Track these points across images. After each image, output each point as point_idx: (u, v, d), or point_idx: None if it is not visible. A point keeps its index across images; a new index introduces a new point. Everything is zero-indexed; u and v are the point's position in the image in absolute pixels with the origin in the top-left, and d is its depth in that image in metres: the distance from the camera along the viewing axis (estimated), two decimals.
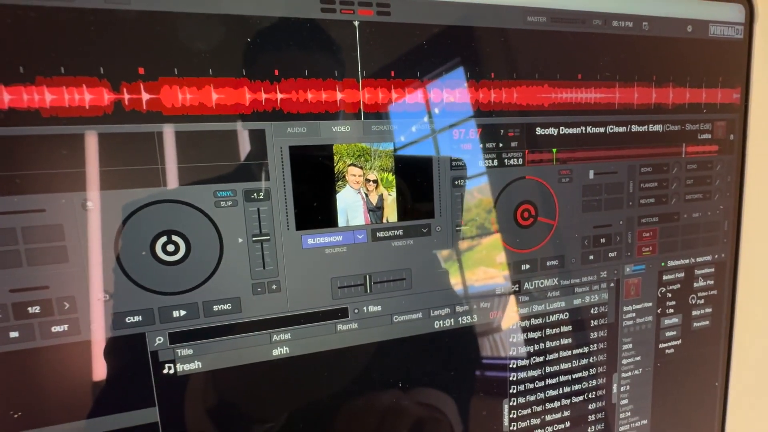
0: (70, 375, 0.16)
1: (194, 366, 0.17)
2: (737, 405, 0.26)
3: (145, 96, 0.15)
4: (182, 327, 0.17)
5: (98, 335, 0.16)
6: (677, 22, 0.22)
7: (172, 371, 0.17)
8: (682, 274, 0.24)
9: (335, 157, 0.18)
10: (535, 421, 0.22)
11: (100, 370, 0.16)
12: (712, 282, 0.25)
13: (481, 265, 0.20)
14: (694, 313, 0.25)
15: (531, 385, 0.22)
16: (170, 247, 0.16)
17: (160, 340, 0.17)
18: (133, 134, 0.15)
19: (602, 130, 0.21)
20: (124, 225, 0.16)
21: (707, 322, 0.25)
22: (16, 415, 0.15)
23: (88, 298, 0.16)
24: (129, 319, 0.16)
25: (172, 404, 0.17)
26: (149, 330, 0.16)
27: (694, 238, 0.24)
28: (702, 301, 0.25)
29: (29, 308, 0.15)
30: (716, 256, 0.25)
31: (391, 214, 0.19)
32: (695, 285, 0.24)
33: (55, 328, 0.16)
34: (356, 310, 0.19)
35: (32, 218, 0.15)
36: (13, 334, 0.15)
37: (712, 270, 0.25)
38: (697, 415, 0.26)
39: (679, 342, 0.25)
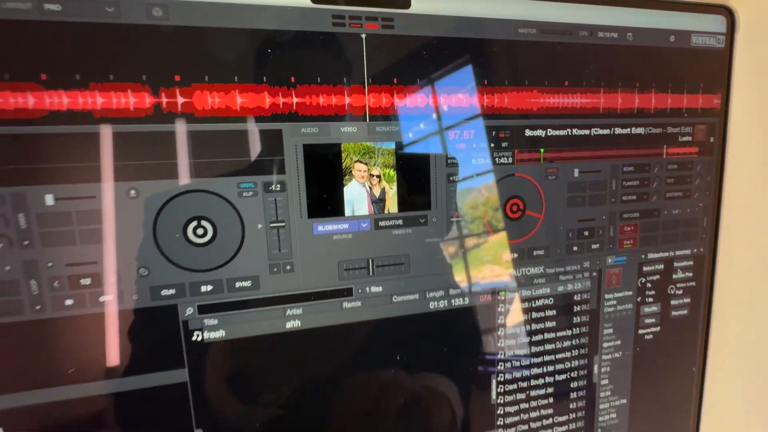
0: (115, 338, 0.19)
1: (219, 334, 0.20)
2: (714, 388, 0.28)
3: (180, 100, 0.18)
4: (209, 300, 0.19)
5: (139, 305, 0.19)
6: (660, 33, 0.24)
7: (199, 338, 0.20)
8: (661, 266, 0.26)
9: (343, 155, 0.20)
10: (521, 396, 0.25)
11: (139, 335, 0.19)
12: (690, 274, 0.27)
13: (473, 253, 0.23)
14: (672, 302, 0.27)
15: (518, 363, 0.24)
16: (200, 231, 0.19)
17: (190, 310, 0.19)
18: (169, 132, 0.18)
19: (587, 132, 0.23)
20: (161, 211, 0.18)
21: (685, 311, 0.27)
22: (70, 371, 0.18)
23: (130, 272, 0.18)
24: (164, 292, 0.19)
25: (199, 366, 0.20)
26: (181, 302, 0.19)
27: (674, 233, 0.26)
28: (680, 292, 0.27)
29: (81, 280, 0.18)
30: (695, 250, 0.26)
31: (392, 205, 0.21)
32: (674, 276, 0.26)
33: (102, 298, 0.18)
34: (360, 290, 0.21)
35: (85, 203, 0.18)
36: (68, 302, 0.18)
37: (691, 263, 0.26)
38: (674, 397, 0.28)
39: (657, 329, 0.26)
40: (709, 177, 0.26)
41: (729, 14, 0.25)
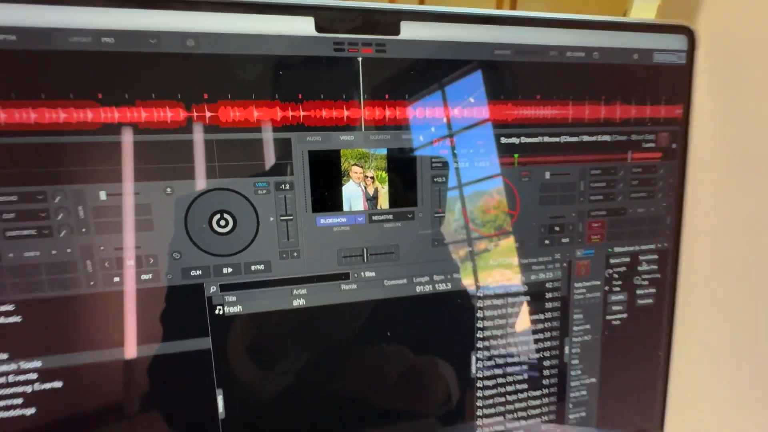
0: (153, 310, 0.22)
1: (237, 309, 0.23)
2: (679, 370, 0.31)
3: (208, 114, 0.22)
4: (229, 280, 0.23)
5: (172, 283, 0.23)
6: (624, 52, 0.27)
7: (221, 312, 0.23)
8: (627, 259, 0.29)
9: (342, 159, 0.23)
10: (499, 371, 0.28)
11: (172, 308, 0.23)
12: (655, 267, 0.30)
13: (456, 245, 0.26)
14: (638, 292, 0.29)
15: (495, 342, 0.28)
16: (222, 222, 0.23)
17: (213, 288, 0.23)
18: (199, 141, 0.22)
19: (557, 139, 0.26)
20: (191, 205, 0.22)
21: (651, 300, 0.30)
22: (116, 336, 0.22)
23: (166, 256, 0.22)
24: (193, 273, 0.23)
25: (220, 336, 0.23)
26: (206, 281, 0.23)
27: (639, 230, 0.29)
28: (646, 282, 0.30)
29: (127, 262, 0.22)
30: (659, 245, 0.29)
31: (384, 202, 0.24)
32: (640, 268, 0.29)
33: (143, 276, 0.22)
34: (356, 275, 0.25)
35: (130, 199, 0.21)
36: (116, 279, 0.22)
37: (656, 256, 0.29)
38: (641, 377, 0.31)
39: (624, 315, 0.29)
40: (671, 179, 0.29)
41: (689, 33, 0.28)
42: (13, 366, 0.21)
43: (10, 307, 0.21)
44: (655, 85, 0.28)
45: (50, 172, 0.21)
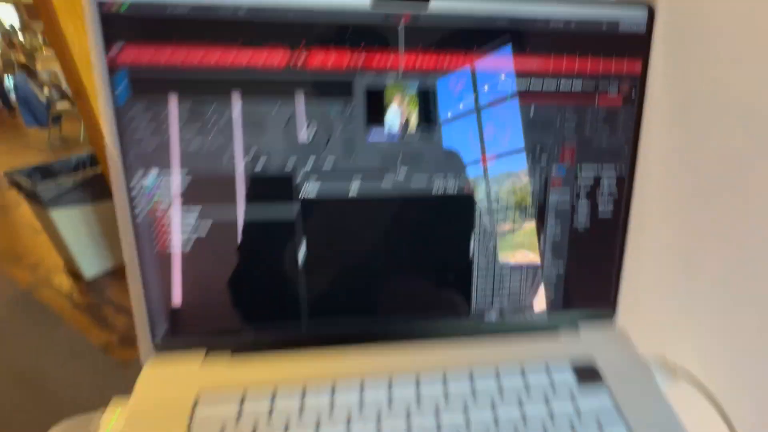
0: (263, 188, 0.35)
1: (313, 194, 0.36)
2: (630, 266, 0.41)
3: (303, 57, 0.34)
4: (310, 176, 0.36)
5: (274, 173, 0.35)
6: (595, 23, 0.36)
7: (303, 196, 0.36)
8: (591, 181, 0.39)
9: (386, 92, 0.35)
10: (491, 252, 0.39)
11: (274, 187, 0.35)
12: (614, 187, 0.39)
13: (463, 158, 0.37)
14: (600, 207, 0.40)
15: (489, 231, 0.39)
16: (308, 132, 0.35)
17: (300, 176, 0.36)
18: (297, 78, 0.34)
19: (540, 86, 0.37)
20: (289, 119, 0.35)
21: (610, 210, 0.40)
22: (239, 202, 0.35)
23: (272, 153, 0.35)
24: (287, 167, 0.35)
25: (303, 209, 0.36)
26: (296, 171, 0.35)
27: (602, 157, 0.39)
28: (606, 199, 0.40)
29: (247, 156, 0.35)
30: (618, 171, 0.39)
31: (413, 125, 0.36)
32: (601, 188, 0.39)
33: (256, 168, 0.35)
34: (391, 174, 0.37)
35: (254, 114, 0.34)
36: (240, 168, 0.35)
37: (615, 180, 0.39)
38: (599, 269, 0.41)
39: (588, 224, 0.40)
40: (630, 120, 0.38)
41: (650, 8, 0.37)
42: (184, 208, 0.35)
43: (186, 170, 0.34)
44: (620, 48, 0.37)
45: (211, 94, 0.34)
